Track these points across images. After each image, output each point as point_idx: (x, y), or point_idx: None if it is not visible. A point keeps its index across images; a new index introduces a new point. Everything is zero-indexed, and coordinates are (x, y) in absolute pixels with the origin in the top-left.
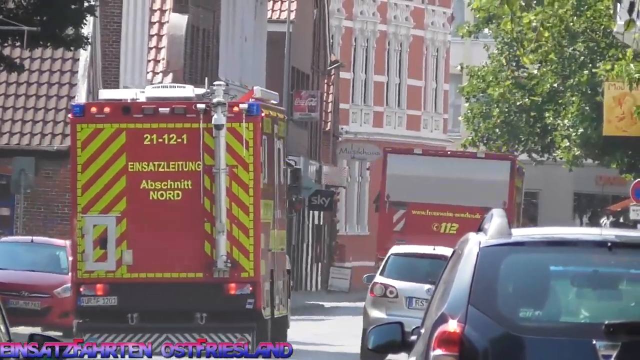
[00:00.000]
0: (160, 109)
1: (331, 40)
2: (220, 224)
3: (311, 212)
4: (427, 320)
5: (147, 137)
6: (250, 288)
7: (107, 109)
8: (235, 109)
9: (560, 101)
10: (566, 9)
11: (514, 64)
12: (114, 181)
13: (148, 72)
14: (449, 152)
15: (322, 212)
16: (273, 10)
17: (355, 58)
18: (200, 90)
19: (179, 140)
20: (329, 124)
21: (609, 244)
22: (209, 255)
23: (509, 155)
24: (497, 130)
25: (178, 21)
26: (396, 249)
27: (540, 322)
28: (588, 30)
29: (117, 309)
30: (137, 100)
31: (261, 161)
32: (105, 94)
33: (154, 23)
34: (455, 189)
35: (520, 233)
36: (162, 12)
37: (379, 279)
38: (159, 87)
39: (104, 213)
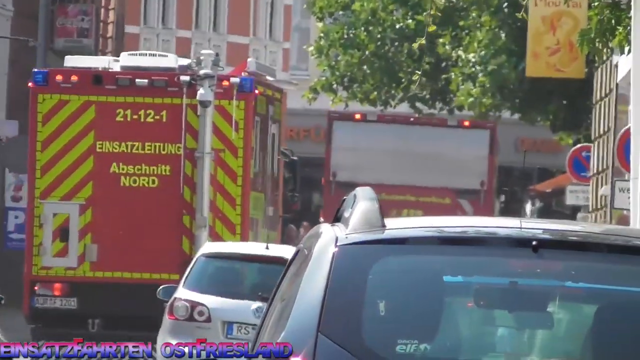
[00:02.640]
0: (137, 80)
1: None
2: (201, 217)
3: None
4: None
5: (119, 112)
6: None
7: (74, 78)
8: (225, 83)
9: (461, 24)
10: None
11: None
12: (79, 163)
13: None
14: (411, 119)
15: None
16: None
17: None
18: (185, 61)
19: (157, 117)
20: (109, 55)
21: (534, 243)
22: (186, 253)
23: (487, 123)
24: (365, 67)
25: None
26: (209, 246)
27: None
28: None
29: (76, 313)
30: (110, 70)
31: (252, 146)
32: (71, 60)
33: None
34: (420, 166)
35: (399, 224)
36: None
37: (181, 293)
38: (136, 54)
39: (66, 200)
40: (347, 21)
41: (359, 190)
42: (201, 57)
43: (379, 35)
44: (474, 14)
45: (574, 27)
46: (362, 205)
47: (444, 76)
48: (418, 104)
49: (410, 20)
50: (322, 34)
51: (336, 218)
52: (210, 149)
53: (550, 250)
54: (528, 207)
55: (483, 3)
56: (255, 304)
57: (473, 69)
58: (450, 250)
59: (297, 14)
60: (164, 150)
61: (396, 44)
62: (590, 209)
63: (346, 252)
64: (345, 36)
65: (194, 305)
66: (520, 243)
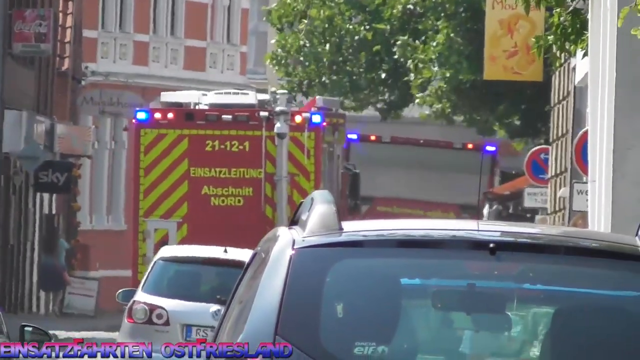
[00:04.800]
0: (223, 116)
1: None
2: None
3: (38, 194)
4: None
5: (209, 143)
6: None
7: (170, 115)
8: (298, 117)
9: (420, 27)
10: None
11: None
12: (176, 186)
13: None
14: (421, 141)
15: (54, 195)
16: None
17: None
18: (263, 97)
19: (241, 147)
20: (66, 60)
21: (492, 245)
22: None
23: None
24: (323, 75)
25: None
26: (167, 250)
27: None
28: None
29: None
30: (200, 105)
31: (322, 170)
32: (166, 96)
33: None
34: (428, 183)
35: (356, 227)
36: None
37: (140, 296)
38: (222, 93)
39: (166, 217)
40: (305, 30)
41: (316, 194)
42: (277, 96)
43: (335, 41)
44: (431, 18)
45: (531, 30)
46: (319, 208)
47: (404, 79)
48: (382, 108)
49: (367, 28)
50: (280, 47)
51: (293, 221)
52: (286, 173)
53: (507, 253)
54: (485, 209)
55: (440, 8)
56: (214, 307)
57: (431, 71)
58: (408, 252)
59: (254, 18)
60: (247, 174)
61: (350, 50)
62: (549, 211)
63: (303, 255)
64: (302, 44)
65: (152, 308)
66: (478, 245)
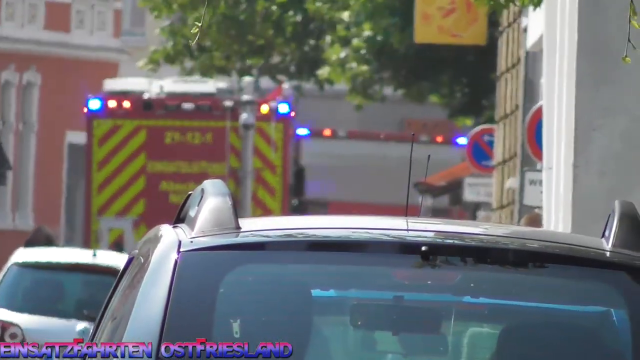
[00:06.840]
0: (183, 104)
1: None
2: None
3: None
4: None
5: (168, 135)
6: None
7: (126, 104)
8: (264, 107)
9: None
10: None
11: None
12: (132, 181)
13: None
14: (381, 136)
15: None
16: None
17: None
18: (222, 85)
19: (203, 139)
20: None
21: (424, 248)
22: None
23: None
24: (213, 29)
25: None
26: (22, 254)
27: None
28: None
29: None
30: (155, 94)
31: (289, 164)
32: (111, 84)
33: None
34: (393, 184)
35: (258, 225)
36: None
37: None
38: (178, 80)
39: (121, 215)
40: None
41: (207, 184)
42: (242, 84)
43: None
44: None
45: None
46: (211, 202)
47: (312, 41)
48: (280, 77)
49: None
50: None
51: (179, 218)
52: (252, 168)
53: (444, 258)
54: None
55: None
56: (81, 325)
57: (347, 32)
58: (321, 257)
59: None
60: (209, 169)
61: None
62: (494, 207)
63: (191, 260)
64: None
65: (4, 326)
66: (407, 248)
